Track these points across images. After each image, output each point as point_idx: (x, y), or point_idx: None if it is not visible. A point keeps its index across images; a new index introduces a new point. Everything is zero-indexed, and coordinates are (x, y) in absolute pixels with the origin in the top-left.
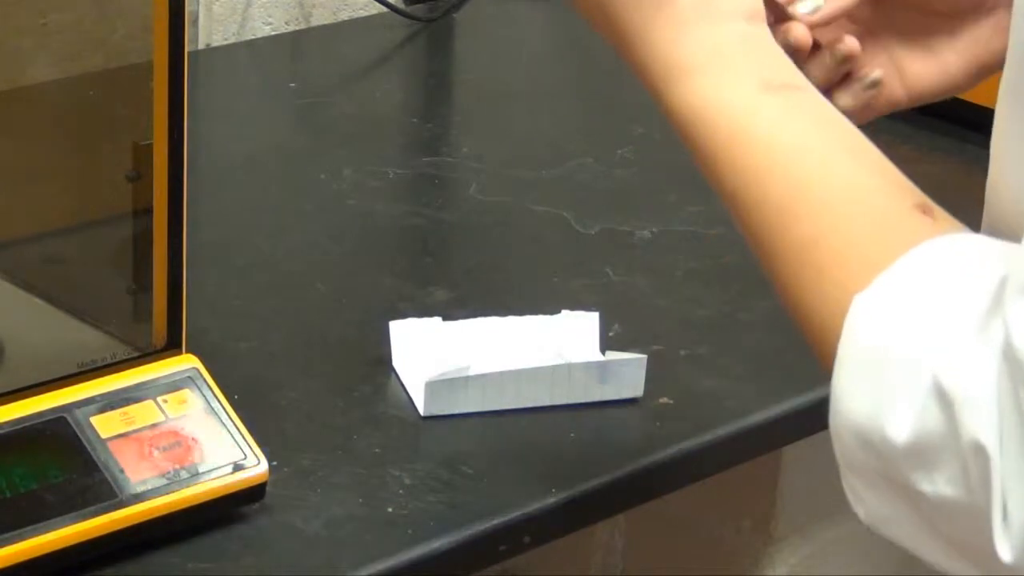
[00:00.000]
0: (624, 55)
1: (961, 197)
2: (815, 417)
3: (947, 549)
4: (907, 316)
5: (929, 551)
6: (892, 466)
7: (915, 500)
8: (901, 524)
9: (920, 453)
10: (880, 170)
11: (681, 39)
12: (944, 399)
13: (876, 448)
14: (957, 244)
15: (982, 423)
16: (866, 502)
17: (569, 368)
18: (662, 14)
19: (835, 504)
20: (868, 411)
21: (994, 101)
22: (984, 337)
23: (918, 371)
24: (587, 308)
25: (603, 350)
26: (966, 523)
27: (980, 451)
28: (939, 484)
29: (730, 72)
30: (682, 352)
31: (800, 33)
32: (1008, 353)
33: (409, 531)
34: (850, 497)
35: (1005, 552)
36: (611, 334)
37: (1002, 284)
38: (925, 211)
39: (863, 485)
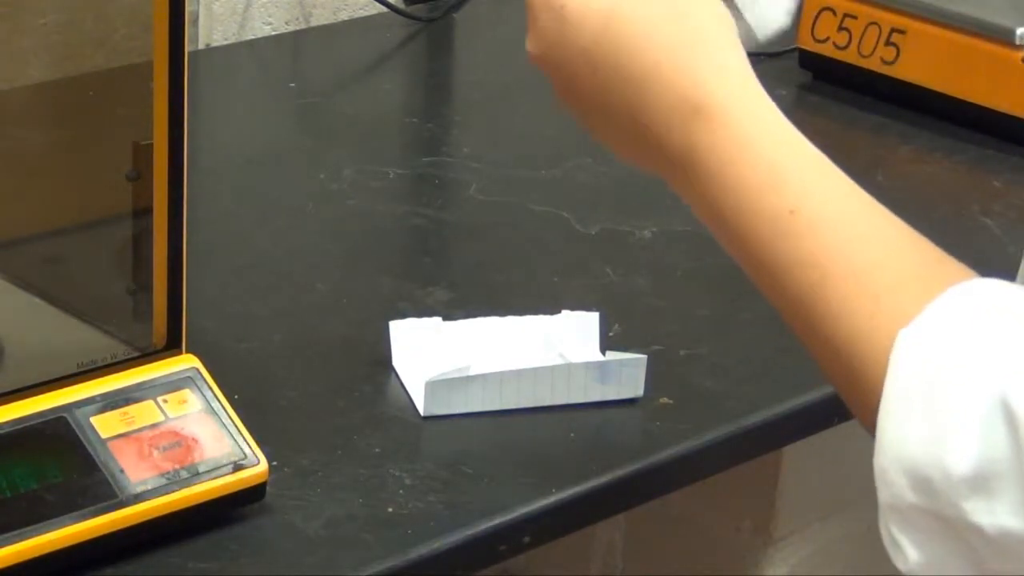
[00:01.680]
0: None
1: (962, 197)
2: (815, 417)
3: None
4: (962, 345)
5: None
6: (948, 501)
7: (969, 538)
8: (947, 567)
9: (982, 480)
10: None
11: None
12: (1012, 419)
13: (932, 482)
14: (997, 283)
15: None
16: (909, 550)
17: (569, 368)
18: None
19: (835, 504)
20: (924, 443)
21: (994, 102)
22: None
23: (983, 393)
24: (587, 308)
25: (603, 350)
26: (1020, 551)
27: None
28: (999, 515)
29: (752, 102)
30: (682, 352)
31: None
32: None
33: (409, 531)
34: (890, 548)
35: None
36: (611, 334)
37: None
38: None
39: (909, 530)
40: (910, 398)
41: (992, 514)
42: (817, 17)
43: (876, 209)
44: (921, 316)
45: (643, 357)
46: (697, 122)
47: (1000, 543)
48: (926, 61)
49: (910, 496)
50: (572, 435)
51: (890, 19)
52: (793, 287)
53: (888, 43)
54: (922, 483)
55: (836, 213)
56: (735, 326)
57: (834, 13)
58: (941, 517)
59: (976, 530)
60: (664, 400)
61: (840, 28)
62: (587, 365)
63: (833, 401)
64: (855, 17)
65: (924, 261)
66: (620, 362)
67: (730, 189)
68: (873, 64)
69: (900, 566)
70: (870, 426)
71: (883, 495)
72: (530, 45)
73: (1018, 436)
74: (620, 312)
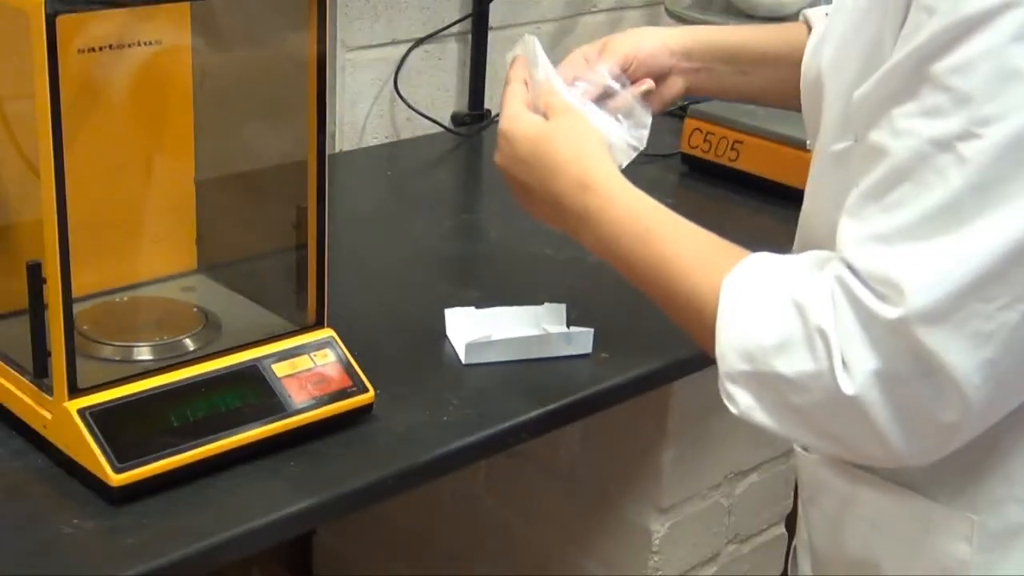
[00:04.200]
0: (550, 195)
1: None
2: (693, 365)
3: (795, 418)
4: (764, 276)
5: (782, 422)
6: (762, 361)
7: (776, 384)
8: (764, 407)
9: (783, 346)
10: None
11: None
12: (799, 307)
13: (751, 352)
14: (773, 254)
15: (822, 315)
16: (739, 397)
17: (549, 336)
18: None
19: (708, 410)
20: (747, 332)
21: (799, 183)
22: (818, 275)
23: (780, 296)
24: (559, 301)
25: (568, 325)
26: (813, 386)
27: (822, 332)
28: (795, 363)
29: (617, 180)
30: (614, 327)
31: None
32: (839, 278)
33: (457, 431)
34: (727, 401)
35: (848, 386)
36: (573, 315)
37: (821, 256)
38: None
39: (738, 386)
40: (735, 310)
41: (791, 364)
42: (692, 133)
43: (694, 225)
44: (735, 269)
45: (591, 330)
46: (586, 195)
47: (797, 382)
48: (756, 160)
49: (738, 364)
50: (550, 375)
51: (733, 135)
52: (656, 276)
53: (732, 148)
54: (746, 354)
55: (673, 227)
56: (647, 310)
57: (701, 131)
58: (758, 374)
59: (781, 377)
60: (603, 355)
61: (705, 139)
62: (559, 334)
63: (692, 362)
64: (713, 133)
65: (725, 245)
66: (578, 332)
67: (612, 228)
68: (724, 160)
69: (733, 410)
70: (711, 347)
71: (721, 368)
72: (496, 159)
73: (803, 315)
74: (578, 303)
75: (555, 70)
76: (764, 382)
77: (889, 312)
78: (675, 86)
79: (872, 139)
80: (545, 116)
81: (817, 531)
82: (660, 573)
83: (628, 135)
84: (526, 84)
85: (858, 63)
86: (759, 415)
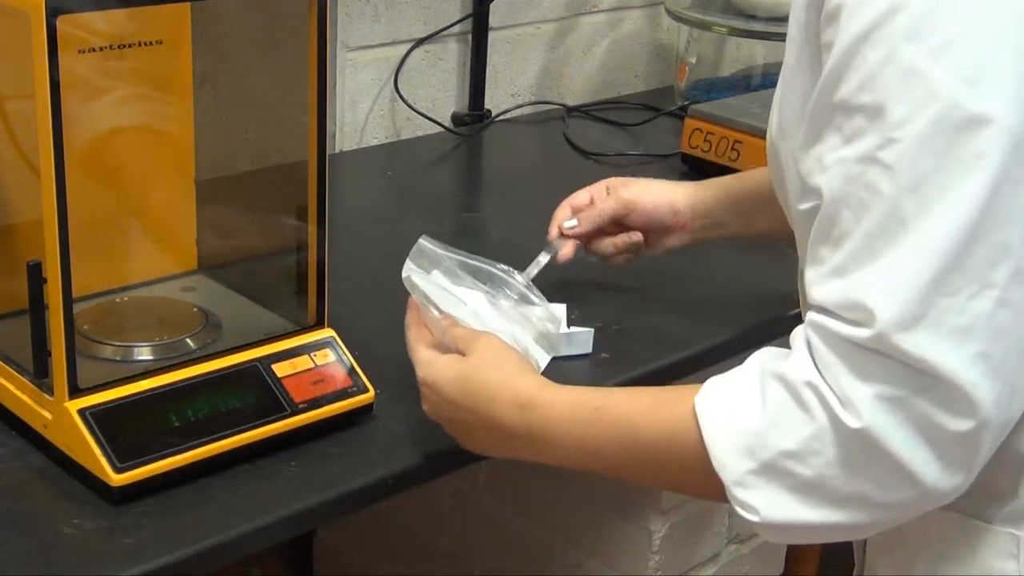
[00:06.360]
0: (497, 425)
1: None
2: (695, 364)
3: (818, 494)
4: (733, 377)
5: (807, 504)
6: (762, 446)
7: (785, 465)
8: (783, 498)
9: (777, 422)
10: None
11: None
12: (779, 377)
13: (749, 444)
14: None
15: (804, 370)
16: (755, 503)
17: (549, 336)
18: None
19: None
20: (737, 426)
21: None
22: (787, 358)
23: (756, 377)
24: (559, 302)
25: (568, 325)
26: (820, 445)
27: (810, 384)
28: (794, 432)
29: (548, 387)
30: (614, 327)
31: (567, 250)
32: (812, 323)
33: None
34: (745, 513)
35: (853, 421)
36: (572, 316)
37: (780, 350)
38: None
39: (750, 491)
40: (717, 415)
41: (791, 435)
42: (692, 133)
43: (631, 388)
44: (701, 390)
45: (591, 330)
46: (527, 412)
47: (802, 449)
48: (756, 160)
49: (741, 465)
50: (550, 374)
51: (733, 135)
52: (624, 442)
53: (732, 148)
54: (744, 450)
55: (619, 394)
56: (645, 310)
57: (701, 131)
58: (764, 464)
59: (786, 454)
60: (604, 355)
61: (705, 139)
62: (559, 334)
63: (691, 361)
64: (713, 133)
65: (675, 387)
66: (578, 332)
67: (564, 428)
68: (724, 160)
69: (754, 519)
70: (708, 483)
71: (726, 478)
72: (425, 408)
73: (785, 380)
74: (578, 303)
75: (446, 279)
76: (773, 470)
77: (865, 333)
78: (679, 239)
79: (812, 184)
80: (458, 350)
81: (871, 558)
82: (660, 573)
83: (542, 335)
84: (426, 325)
85: (799, 121)
86: (782, 510)
